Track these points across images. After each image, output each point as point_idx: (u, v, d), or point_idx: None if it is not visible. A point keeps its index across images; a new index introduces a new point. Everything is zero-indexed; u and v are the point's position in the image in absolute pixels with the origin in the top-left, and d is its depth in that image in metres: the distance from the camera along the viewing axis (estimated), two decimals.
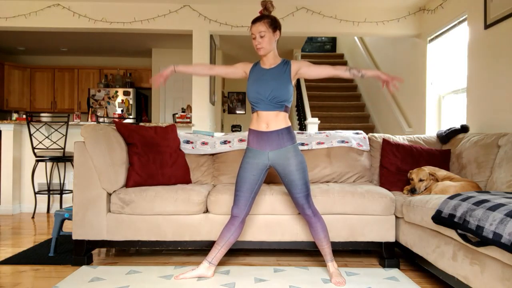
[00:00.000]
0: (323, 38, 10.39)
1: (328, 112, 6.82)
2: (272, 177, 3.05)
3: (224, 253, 2.39)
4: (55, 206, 4.89)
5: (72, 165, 4.73)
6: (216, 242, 2.38)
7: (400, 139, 3.31)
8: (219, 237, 2.37)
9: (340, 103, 7.15)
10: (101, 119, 5.64)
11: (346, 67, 2.30)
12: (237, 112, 9.47)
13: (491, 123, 3.42)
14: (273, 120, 2.28)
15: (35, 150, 4.46)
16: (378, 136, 3.34)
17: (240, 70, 2.43)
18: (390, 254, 2.65)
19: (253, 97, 2.30)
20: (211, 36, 5.13)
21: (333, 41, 10.37)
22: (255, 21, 2.28)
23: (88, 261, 2.66)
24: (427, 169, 2.76)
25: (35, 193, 4.57)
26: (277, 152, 2.28)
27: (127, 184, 2.75)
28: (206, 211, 2.68)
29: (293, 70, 2.33)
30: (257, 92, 2.28)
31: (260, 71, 2.35)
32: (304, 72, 2.35)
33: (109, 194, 2.66)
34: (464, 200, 1.91)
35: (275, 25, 2.29)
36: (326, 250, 2.37)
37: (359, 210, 2.62)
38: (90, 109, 7.22)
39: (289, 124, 2.34)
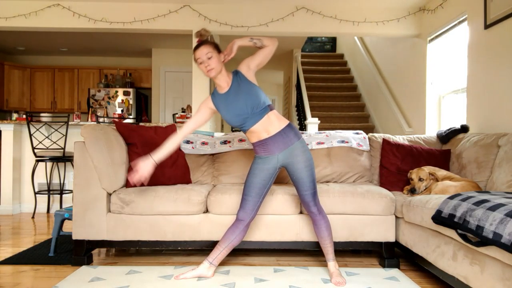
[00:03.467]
0: (323, 38, 10.39)
1: (328, 112, 6.82)
2: None
3: (226, 254, 2.39)
4: (55, 206, 4.89)
5: (72, 165, 4.73)
6: (219, 243, 2.38)
7: (400, 139, 3.31)
8: (222, 238, 2.37)
9: (340, 103, 7.15)
10: (101, 119, 5.64)
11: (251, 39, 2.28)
12: None
13: (491, 123, 3.42)
14: (269, 125, 2.26)
15: (35, 150, 4.46)
16: (378, 136, 3.34)
17: (206, 110, 2.34)
18: (390, 254, 2.65)
19: (237, 121, 2.26)
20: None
21: (333, 41, 10.37)
22: (197, 47, 2.23)
23: (88, 261, 2.66)
24: (427, 169, 2.76)
25: (35, 193, 4.57)
26: (285, 152, 2.28)
27: (127, 184, 2.75)
28: (206, 211, 2.68)
29: (244, 72, 2.29)
30: (238, 115, 2.25)
31: (223, 97, 2.29)
32: (254, 64, 2.30)
33: (109, 194, 2.66)
34: (464, 200, 1.91)
35: (218, 48, 2.27)
36: (329, 249, 2.37)
37: (359, 210, 2.62)
38: (90, 109, 7.22)
39: (287, 121, 2.33)
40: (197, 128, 2.37)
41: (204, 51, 2.21)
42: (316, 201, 2.34)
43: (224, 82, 2.29)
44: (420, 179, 2.72)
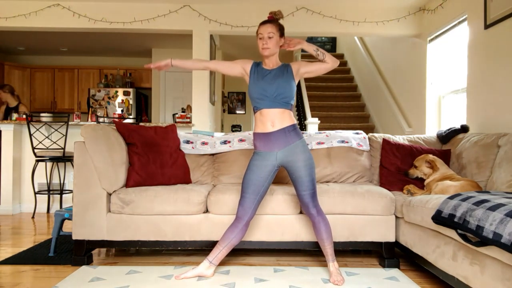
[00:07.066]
0: (323, 38, 10.38)
1: (328, 112, 6.83)
2: None
3: (226, 254, 2.39)
4: (55, 206, 4.89)
5: (72, 165, 4.72)
6: (218, 243, 2.38)
7: (400, 139, 3.31)
8: (221, 238, 2.37)
9: (340, 103, 7.15)
10: (101, 119, 5.64)
11: (317, 52, 2.36)
12: (237, 112, 9.47)
13: (491, 123, 3.42)
14: (278, 118, 2.29)
15: (35, 150, 4.46)
16: (378, 136, 3.34)
17: (238, 66, 2.43)
18: (390, 254, 2.65)
19: (258, 93, 2.31)
20: (211, 36, 5.13)
21: (333, 41, 10.37)
22: (264, 22, 2.34)
23: (88, 261, 2.66)
24: (431, 157, 2.84)
25: (35, 193, 4.57)
26: (285, 150, 2.29)
27: (127, 184, 2.75)
28: (206, 211, 2.68)
29: (294, 69, 2.37)
30: (263, 89, 2.30)
31: (262, 71, 2.38)
32: (304, 70, 2.39)
33: (109, 194, 2.66)
34: (464, 200, 1.91)
35: (282, 31, 2.37)
36: (328, 251, 2.37)
37: (359, 210, 2.62)
38: (90, 109, 7.22)
39: (295, 121, 2.36)
40: (220, 70, 2.46)
41: (268, 29, 2.30)
42: (315, 203, 2.33)
43: (271, 63, 2.38)
44: (415, 166, 2.81)
